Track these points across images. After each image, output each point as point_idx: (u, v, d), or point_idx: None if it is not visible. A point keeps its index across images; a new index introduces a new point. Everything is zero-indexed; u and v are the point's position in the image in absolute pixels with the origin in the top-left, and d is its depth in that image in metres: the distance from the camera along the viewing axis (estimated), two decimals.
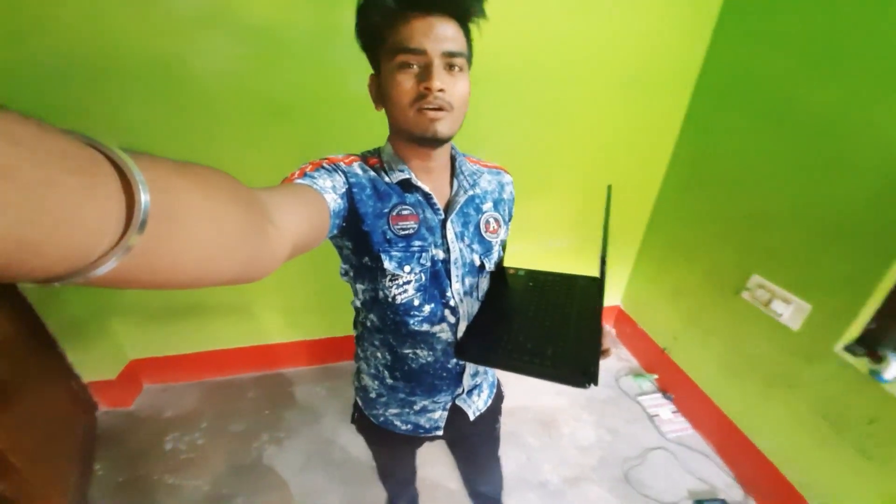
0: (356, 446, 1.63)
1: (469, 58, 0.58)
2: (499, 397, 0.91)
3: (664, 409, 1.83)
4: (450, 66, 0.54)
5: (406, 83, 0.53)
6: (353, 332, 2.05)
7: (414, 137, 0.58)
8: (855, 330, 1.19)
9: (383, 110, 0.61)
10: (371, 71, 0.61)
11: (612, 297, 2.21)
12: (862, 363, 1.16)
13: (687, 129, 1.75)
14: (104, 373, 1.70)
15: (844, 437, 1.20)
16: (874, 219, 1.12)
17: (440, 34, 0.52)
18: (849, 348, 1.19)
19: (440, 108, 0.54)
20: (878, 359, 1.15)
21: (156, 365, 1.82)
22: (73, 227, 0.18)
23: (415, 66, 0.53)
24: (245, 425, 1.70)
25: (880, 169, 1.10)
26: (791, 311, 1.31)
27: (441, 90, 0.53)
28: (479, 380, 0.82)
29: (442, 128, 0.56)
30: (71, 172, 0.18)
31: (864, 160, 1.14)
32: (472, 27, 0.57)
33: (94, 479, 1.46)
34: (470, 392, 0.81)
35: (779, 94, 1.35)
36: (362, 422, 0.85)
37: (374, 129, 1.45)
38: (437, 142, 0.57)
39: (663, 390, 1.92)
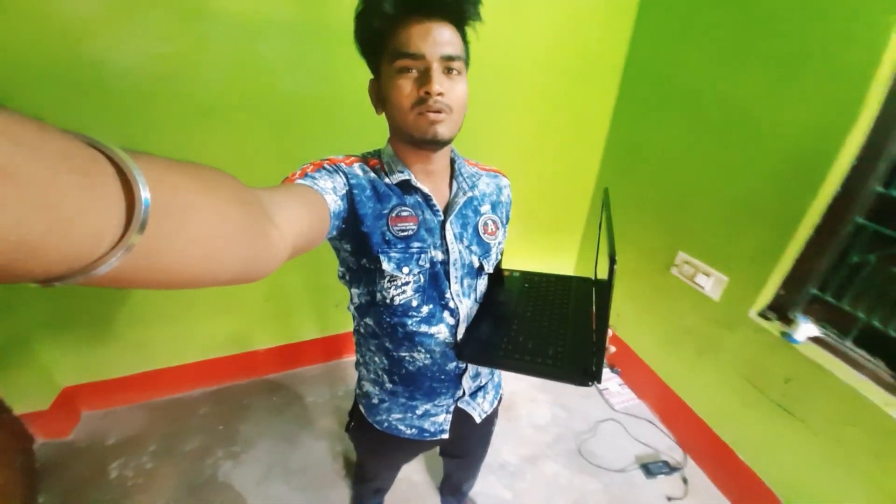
0: (316, 451, 1.61)
1: (466, 61, 0.59)
2: (499, 399, 0.91)
3: (612, 383, 1.95)
4: (448, 70, 0.55)
5: (406, 87, 0.54)
6: (304, 339, 2.01)
7: (415, 140, 0.58)
8: (766, 297, 1.31)
9: (384, 114, 0.62)
10: (370, 76, 0.62)
11: None
12: (775, 327, 1.29)
13: (616, 121, 1.84)
14: (35, 403, 1.57)
15: (766, 395, 1.33)
16: (777, 196, 1.23)
17: (438, 39, 0.53)
18: (762, 314, 1.32)
19: (440, 111, 0.55)
20: (788, 322, 1.27)
21: (93, 390, 1.70)
22: (74, 227, 0.18)
23: (414, 71, 0.54)
24: (197, 443, 1.63)
25: (779, 151, 1.21)
26: (712, 284, 1.43)
27: (440, 94, 0.54)
28: (483, 381, 0.81)
29: (442, 130, 0.56)
30: (71, 172, 0.18)
31: (765, 144, 1.24)
32: (469, 30, 0.58)
33: None
34: (474, 394, 0.80)
35: (691, 86, 1.45)
36: (363, 429, 0.83)
37: (308, 128, 1.44)
38: (437, 144, 0.58)
39: (611, 365, 2.03)
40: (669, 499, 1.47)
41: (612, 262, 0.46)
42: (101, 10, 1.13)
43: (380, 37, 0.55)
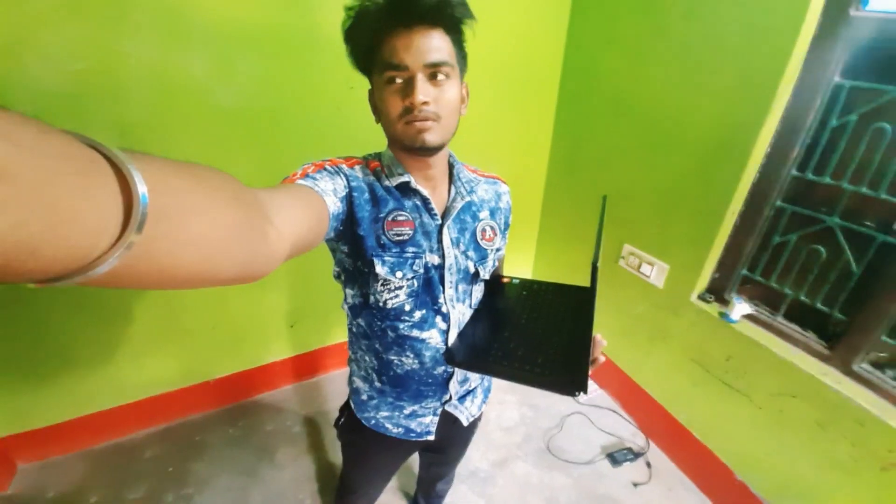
0: (278, 482, 1.53)
1: (459, 62, 0.59)
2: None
3: None
4: (434, 76, 0.55)
5: (392, 98, 0.55)
6: (261, 364, 1.91)
7: (406, 147, 0.59)
8: (703, 281, 1.38)
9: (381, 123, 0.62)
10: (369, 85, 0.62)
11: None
12: (713, 308, 1.36)
13: (559, 123, 1.90)
14: None
15: (711, 374, 1.40)
16: (704, 186, 1.31)
17: (422, 47, 0.52)
18: (701, 297, 1.39)
19: (426, 119, 0.55)
20: (725, 303, 1.35)
21: (26, 440, 1.52)
22: (72, 227, 0.18)
23: (399, 81, 0.54)
24: (144, 489, 1.50)
25: (702, 145, 1.29)
26: (655, 272, 1.49)
27: (425, 103, 0.54)
28: (472, 385, 0.81)
29: (430, 137, 0.57)
30: (70, 173, 0.18)
31: (689, 139, 1.32)
32: (465, 28, 0.57)
33: None
34: (462, 398, 0.80)
35: (620, 89, 1.53)
36: (351, 426, 0.82)
37: (242, 145, 1.38)
38: (427, 150, 0.59)
39: None
40: (635, 484, 1.51)
41: (594, 270, 0.45)
42: (4, 29, 1.03)
43: (369, 51, 0.56)
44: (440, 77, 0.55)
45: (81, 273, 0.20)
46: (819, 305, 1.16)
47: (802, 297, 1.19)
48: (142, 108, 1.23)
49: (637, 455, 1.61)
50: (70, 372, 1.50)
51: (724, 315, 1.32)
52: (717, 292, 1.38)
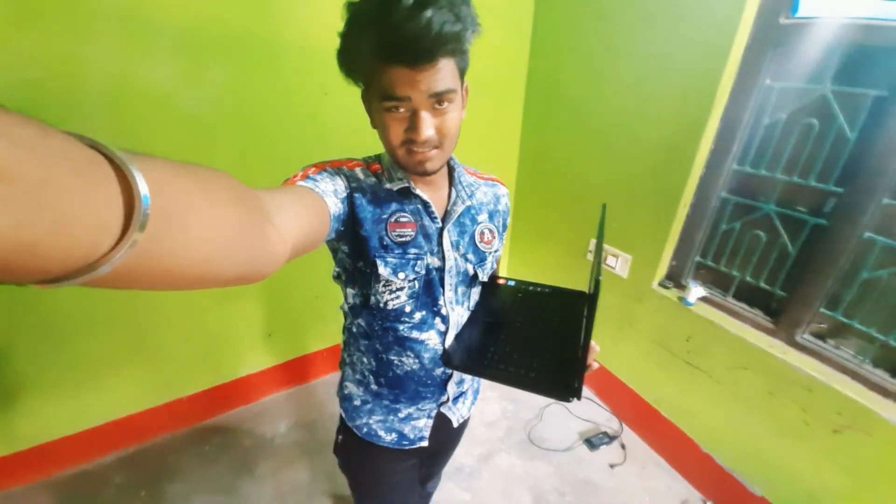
0: (259, 498, 1.49)
1: (461, 77, 0.56)
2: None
3: None
4: (438, 104, 0.52)
5: (394, 127, 0.53)
6: (237, 377, 1.84)
7: (406, 170, 0.59)
8: (663, 268, 1.49)
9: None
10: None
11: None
12: (672, 293, 1.47)
13: (526, 128, 1.99)
14: None
15: (674, 355, 1.50)
16: (658, 182, 1.42)
17: (425, 79, 0.49)
18: (661, 284, 1.50)
19: (430, 149, 0.54)
20: (682, 287, 1.46)
21: None
22: (73, 228, 0.18)
23: (402, 110, 0.52)
24: None
25: (654, 145, 1.41)
26: (620, 263, 1.59)
27: (427, 137, 0.52)
28: (465, 387, 0.81)
29: (431, 165, 0.56)
30: (71, 173, 0.18)
31: (642, 139, 1.44)
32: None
33: None
34: (455, 400, 0.80)
35: (582, 95, 1.63)
36: (347, 445, 0.81)
37: (212, 152, 1.36)
38: (427, 174, 0.59)
39: None
40: (612, 466, 1.59)
41: (597, 284, 0.44)
42: None
43: (364, 76, 0.53)
44: (445, 104, 0.53)
45: (83, 274, 0.20)
46: (763, 284, 1.28)
47: (748, 278, 1.31)
48: (104, 116, 1.20)
49: (612, 438, 1.69)
50: (26, 397, 1.41)
51: (682, 299, 1.42)
52: (675, 279, 1.49)
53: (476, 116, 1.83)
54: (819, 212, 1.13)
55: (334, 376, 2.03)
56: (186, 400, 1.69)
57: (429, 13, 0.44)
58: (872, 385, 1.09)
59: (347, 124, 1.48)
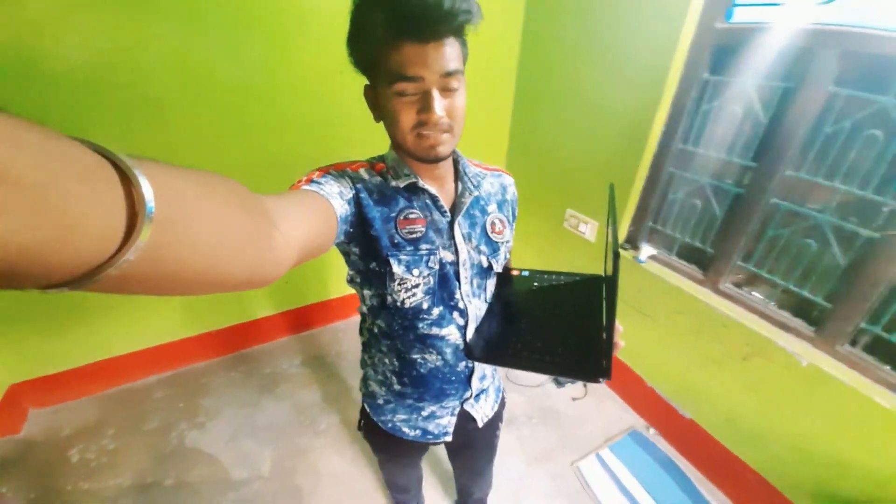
0: (280, 410, 1.79)
1: (464, 62, 0.56)
2: (502, 403, 0.92)
3: None
4: (447, 87, 0.53)
5: (405, 111, 0.53)
6: (260, 316, 2.09)
7: (416, 158, 0.59)
8: (623, 233, 1.77)
9: (382, 123, 0.61)
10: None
11: None
12: (629, 254, 1.75)
13: (516, 111, 2.25)
14: None
15: (628, 305, 1.79)
16: (621, 157, 1.68)
17: (436, 57, 0.50)
18: (621, 246, 1.78)
19: (441, 132, 0.55)
20: (637, 249, 1.74)
21: (37, 386, 1.70)
22: (77, 232, 0.18)
23: (412, 93, 0.52)
24: (158, 422, 1.73)
25: (619, 125, 1.67)
26: (590, 229, 1.87)
27: (440, 118, 0.53)
28: (486, 384, 0.81)
29: (443, 149, 0.57)
30: (75, 178, 0.18)
31: (609, 121, 1.70)
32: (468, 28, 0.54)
33: (3, 502, 1.39)
34: (477, 396, 0.80)
35: (566, 82, 1.87)
36: (369, 429, 0.85)
37: (248, 118, 1.62)
38: (438, 161, 0.59)
39: None
40: (574, 399, 1.90)
41: (616, 256, 0.45)
42: (55, 9, 1.24)
43: (374, 59, 0.53)
44: (454, 85, 0.53)
45: (88, 279, 0.20)
46: (697, 244, 1.56)
47: (687, 239, 1.59)
48: (161, 82, 1.45)
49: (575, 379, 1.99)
50: (79, 320, 1.69)
51: (636, 258, 1.71)
52: (632, 241, 1.77)
53: (473, 96, 2.10)
54: (740, 183, 1.41)
55: (341, 324, 2.33)
56: (215, 333, 1.99)
57: None
58: (775, 321, 1.37)
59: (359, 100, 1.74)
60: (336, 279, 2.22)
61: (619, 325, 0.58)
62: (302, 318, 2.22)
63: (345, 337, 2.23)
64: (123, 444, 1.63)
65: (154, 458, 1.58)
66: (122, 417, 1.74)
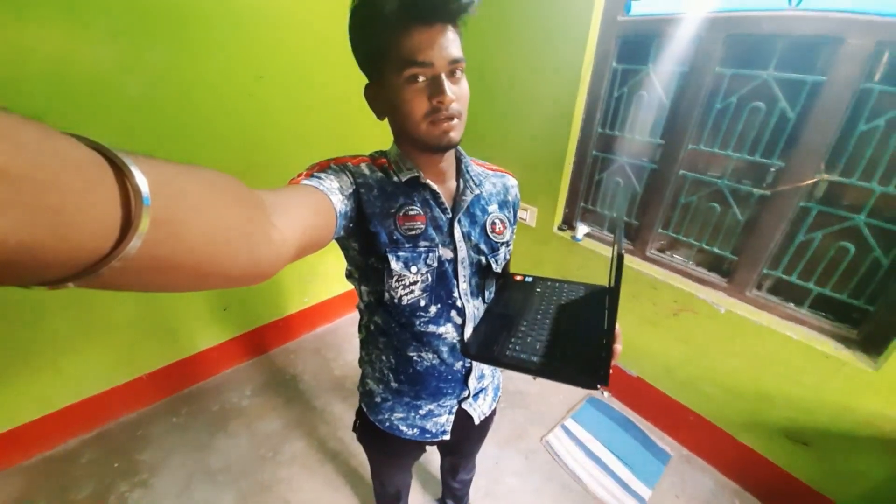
0: (236, 447, 1.65)
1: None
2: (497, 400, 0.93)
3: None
4: (453, 73, 0.54)
5: (417, 98, 0.54)
6: (200, 349, 1.94)
7: (428, 147, 0.58)
8: (559, 215, 1.88)
9: (386, 119, 0.61)
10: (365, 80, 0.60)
11: None
12: (567, 234, 1.87)
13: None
14: None
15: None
16: (551, 144, 1.79)
17: (444, 43, 0.52)
18: (559, 228, 1.89)
19: (452, 118, 0.55)
20: (573, 229, 1.86)
21: None
22: (75, 230, 0.18)
23: (422, 79, 0.53)
24: (92, 488, 1.50)
25: (546, 114, 1.76)
26: (530, 215, 1.97)
27: (452, 101, 0.54)
28: (485, 383, 0.81)
29: (454, 135, 0.57)
30: (72, 174, 0.18)
31: (538, 110, 1.79)
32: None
33: None
34: (476, 396, 0.80)
35: (503, 76, 1.91)
36: (365, 429, 0.84)
37: (155, 132, 1.46)
38: (451, 148, 0.59)
39: None
40: (534, 378, 1.98)
41: (620, 263, 0.45)
42: None
43: (382, 46, 0.53)
44: (458, 73, 0.55)
45: (86, 275, 0.20)
46: (625, 218, 1.71)
47: (614, 215, 1.74)
48: (43, 99, 1.26)
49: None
50: None
51: (573, 237, 1.83)
52: (568, 222, 1.89)
53: None
54: (653, 159, 1.56)
55: (291, 344, 2.21)
56: (147, 378, 1.78)
57: None
58: (695, 278, 1.56)
59: (285, 104, 1.65)
60: (286, 296, 2.10)
61: (619, 328, 0.58)
62: (248, 344, 2.06)
63: (297, 358, 2.11)
64: None
65: None
66: (49, 489, 1.49)
